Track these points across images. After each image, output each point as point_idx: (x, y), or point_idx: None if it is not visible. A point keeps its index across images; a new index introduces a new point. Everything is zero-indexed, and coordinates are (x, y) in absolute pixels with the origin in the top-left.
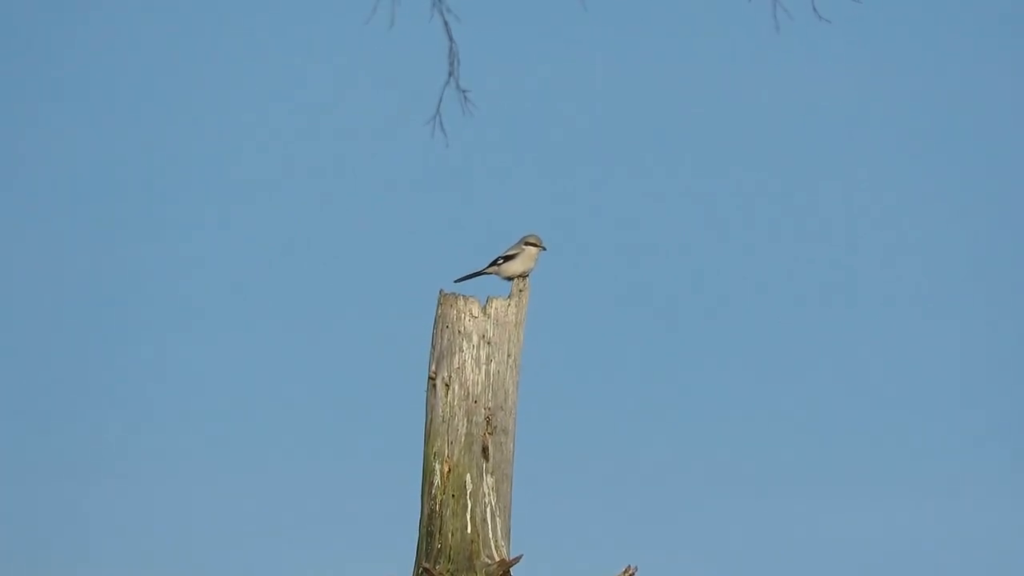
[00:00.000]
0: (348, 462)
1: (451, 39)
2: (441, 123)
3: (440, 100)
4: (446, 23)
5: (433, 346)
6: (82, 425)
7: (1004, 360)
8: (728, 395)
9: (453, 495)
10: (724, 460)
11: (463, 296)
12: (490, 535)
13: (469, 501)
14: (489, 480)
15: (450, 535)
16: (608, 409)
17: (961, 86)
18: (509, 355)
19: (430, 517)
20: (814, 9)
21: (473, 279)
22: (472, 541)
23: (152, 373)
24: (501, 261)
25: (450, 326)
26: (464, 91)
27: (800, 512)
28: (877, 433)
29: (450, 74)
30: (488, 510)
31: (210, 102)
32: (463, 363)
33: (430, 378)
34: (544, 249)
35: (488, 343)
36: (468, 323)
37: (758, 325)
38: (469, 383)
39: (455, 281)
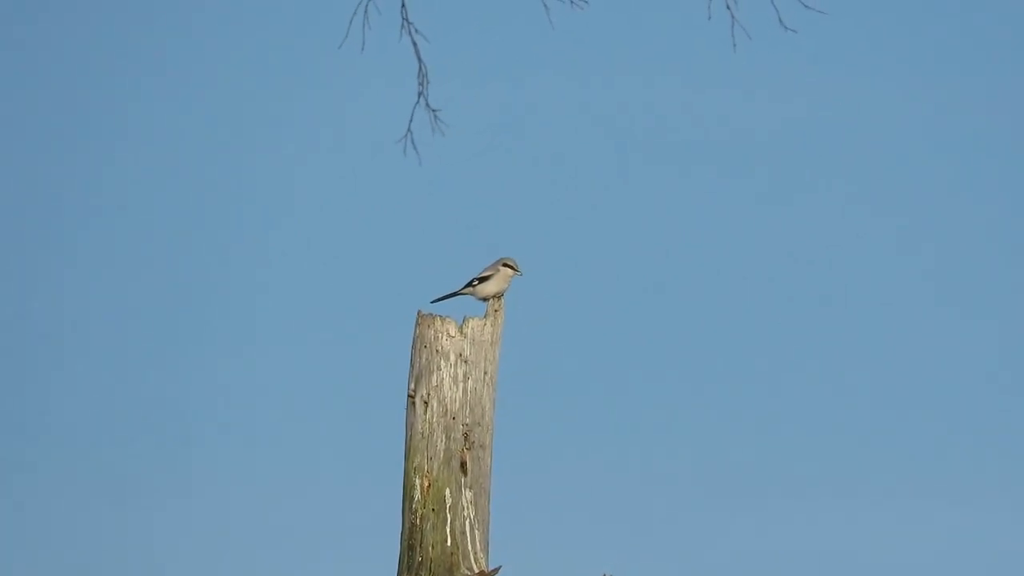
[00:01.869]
0: (330, 479)
1: (420, 60)
2: (413, 142)
3: (411, 119)
4: (415, 44)
5: (412, 365)
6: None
7: (1008, 365)
8: (705, 408)
9: (433, 509)
10: (701, 472)
11: (440, 316)
12: (469, 547)
13: (449, 515)
14: (468, 494)
15: (430, 548)
16: (582, 423)
17: (954, 89)
18: (485, 373)
19: (411, 531)
20: (780, 21)
21: (450, 299)
22: (452, 553)
23: (134, 391)
24: (476, 282)
25: (428, 345)
26: (434, 110)
27: (778, 523)
28: (867, 440)
29: (420, 94)
30: (467, 523)
31: (184, 129)
32: (441, 381)
33: (409, 396)
34: (520, 274)
35: (465, 361)
36: (445, 342)
37: (737, 338)
38: (447, 400)
39: (432, 302)
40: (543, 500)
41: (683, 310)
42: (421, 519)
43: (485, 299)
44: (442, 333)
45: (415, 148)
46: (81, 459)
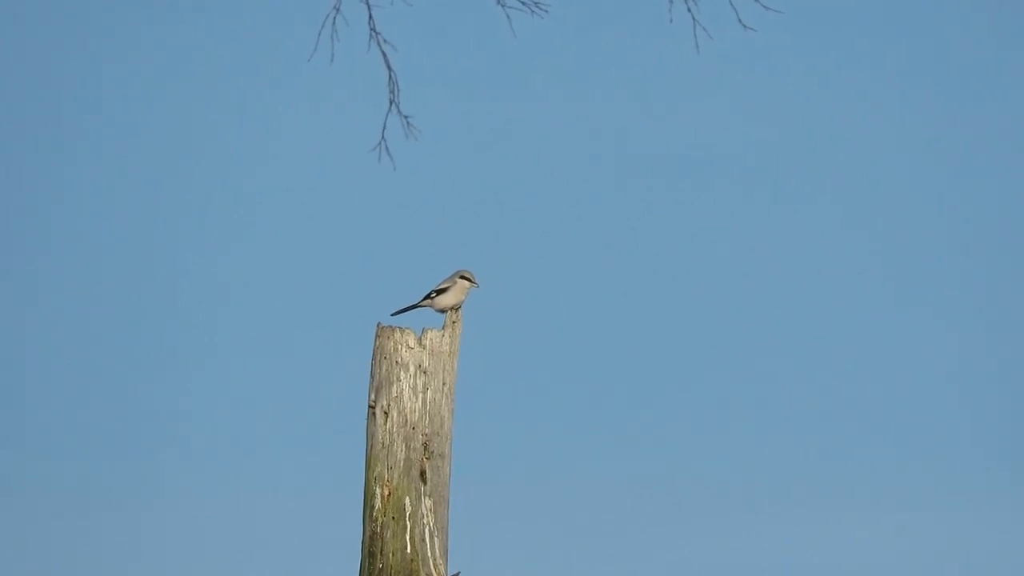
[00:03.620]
0: (292, 488)
1: (390, 68)
2: (387, 148)
3: (384, 127)
4: (384, 54)
5: (372, 376)
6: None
7: (1000, 375)
8: (664, 419)
9: (393, 517)
10: (660, 481)
11: (399, 328)
12: (429, 554)
13: (408, 523)
14: (427, 502)
15: (391, 555)
16: (540, 433)
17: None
18: (444, 383)
19: (371, 539)
20: (739, 20)
21: (410, 311)
22: (412, 560)
23: (92, 404)
24: (434, 294)
25: (388, 357)
26: (406, 117)
27: (734, 535)
28: (836, 451)
29: (391, 101)
30: (426, 531)
31: (152, 140)
32: (401, 392)
33: (370, 407)
34: (476, 285)
35: (424, 372)
36: (405, 354)
37: (697, 348)
38: (407, 411)
39: (392, 315)
40: (501, 509)
41: (643, 321)
42: (381, 527)
43: (443, 311)
44: (401, 344)
45: (389, 155)
46: (37, 472)
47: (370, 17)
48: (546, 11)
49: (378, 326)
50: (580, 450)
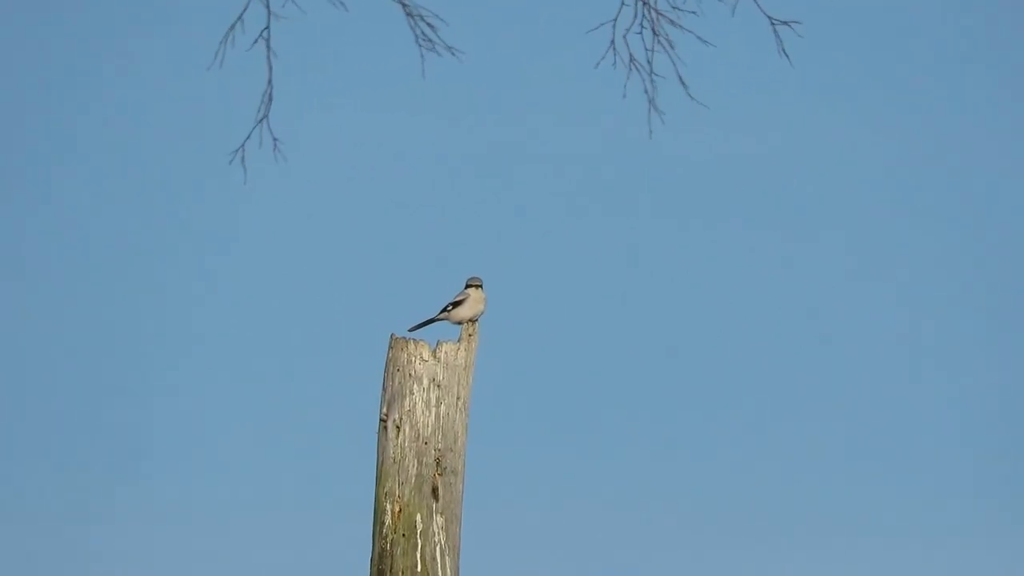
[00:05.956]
0: (301, 503)
1: (270, 81)
2: (243, 160)
3: (247, 138)
4: (269, 61)
5: (384, 389)
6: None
7: (994, 417)
8: (681, 438)
9: (403, 534)
10: (676, 502)
11: (413, 340)
12: (440, 573)
13: (419, 540)
14: (439, 520)
15: (400, 573)
16: (555, 450)
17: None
18: (458, 398)
19: (381, 556)
20: (689, 96)
21: (427, 327)
22: None
23: (97, 414)
24: (451, 307)
25: (401, 369)
26: (275, 139)
27: (758, 564)
28: (830, 485)
29: (263, 116)
30: (438, 549)
31: (86, 150)
32: (413, 405)
33: (381, 420)
34: (480, 284)
35: (438, 386)
36: (418, 366)
37: (708, 367)
38: (419, 425)
39: (409, 330)
40: (515, 528)
41: (657, 338)
42: (391, 544)
43: (461, 323)
44: (415, 357)
45: (244, 167)
46: (37, 487)
47: (267, 27)
48: (464, 54)
49: (391, 337)
50: (598, 468)
